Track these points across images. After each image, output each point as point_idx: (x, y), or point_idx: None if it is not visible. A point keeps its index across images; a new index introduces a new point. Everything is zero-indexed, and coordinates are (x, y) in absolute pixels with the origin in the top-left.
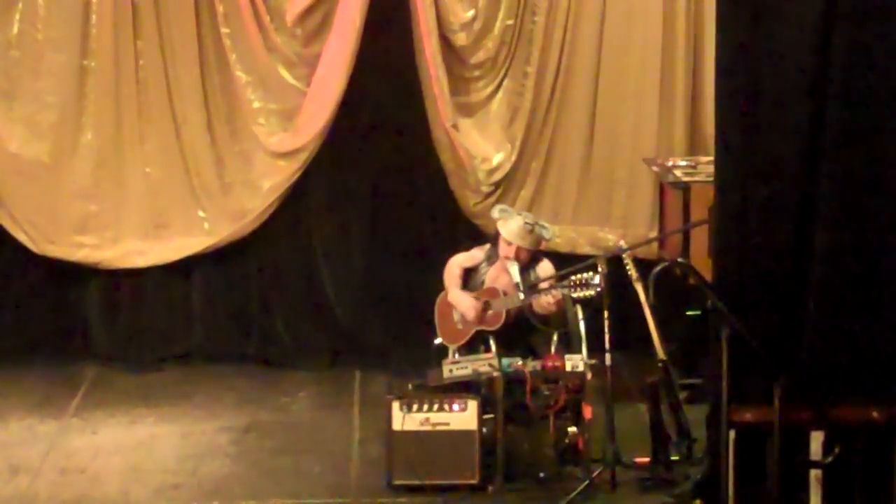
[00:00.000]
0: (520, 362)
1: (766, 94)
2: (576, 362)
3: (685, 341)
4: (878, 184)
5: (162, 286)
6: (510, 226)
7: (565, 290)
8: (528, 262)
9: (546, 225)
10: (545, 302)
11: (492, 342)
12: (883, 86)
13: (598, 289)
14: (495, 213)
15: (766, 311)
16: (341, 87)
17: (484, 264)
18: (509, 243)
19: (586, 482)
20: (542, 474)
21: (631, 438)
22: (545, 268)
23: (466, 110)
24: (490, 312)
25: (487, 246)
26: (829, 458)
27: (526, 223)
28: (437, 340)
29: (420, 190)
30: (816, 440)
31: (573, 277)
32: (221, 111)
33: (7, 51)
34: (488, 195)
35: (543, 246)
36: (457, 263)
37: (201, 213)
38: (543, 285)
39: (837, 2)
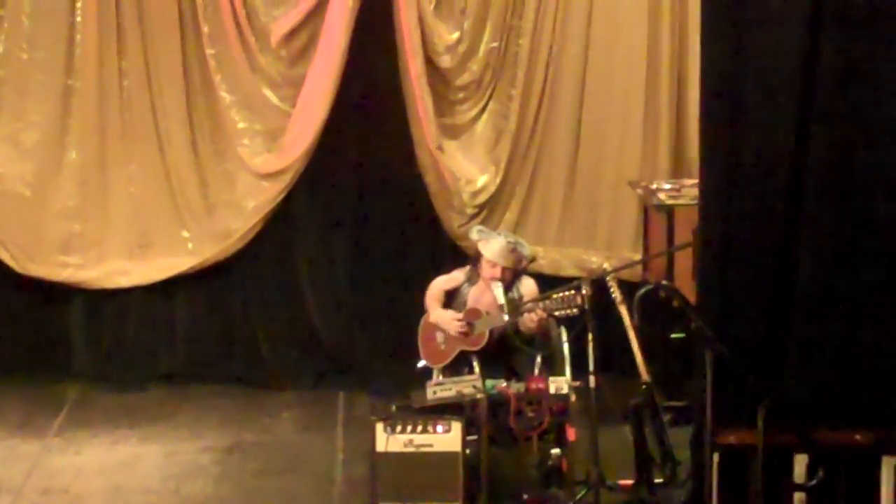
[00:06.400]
0: (504, 384)
1: (751, 116)
2: (559, 384)
3: (669, 364)
4: (862, 205)
5: (145, 306)
6: (493, 247)
7: (548, 304)
8: (511, 281)
9: (523, 242)
10: (529, 320)
11: (475, 364)
12: (868, 102)
13: (582, 307)
14: (474, 234)
15: (750, 333)
16: (326, 108)
17: (465, 285)
18: (494, 265)
19: None
20: (525, 496)
21: (615, 461)
22: (528, 285)
23: (451, 132)
24: (473, 333)
25: (467, 267)
26: (813, 482)
27: (509, 242)
28: (421, 363)
29: (404, 212)
30: (800, 463)
31: (556, 296)
32: (206, 131)
33: None
34: (473, 217)
35: (525, 265)
36: (437, 286)
37: (185, 234)
38: (528, 306)
39: (823, 17)
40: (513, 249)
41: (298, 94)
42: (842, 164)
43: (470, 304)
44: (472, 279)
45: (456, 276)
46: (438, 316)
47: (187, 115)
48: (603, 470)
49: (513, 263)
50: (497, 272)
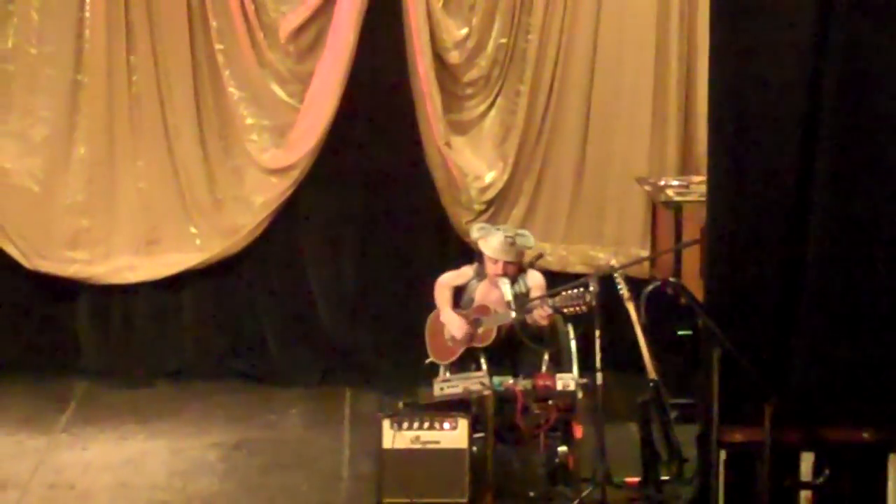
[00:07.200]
0: (511, 381)
1: (759, 115)
2: (567, 381)
3: (676, 361)
4: (870, 206)
5: (153, 302)
6: (491, 243)
7: (556, 301)
8: (516, 275)
9: (524, 233)
10: (537, 315)
11: (483, 360)
12: (875, 102)
13: (590, 304)
14: (474, 233)
15: (757, 331)
16: (334, 104)
17: (473, 281)
18: (495, 261)
19: (576, 502)
20: (532, 494)
21: (621, 458)
22: (534, 278)
23: (459, 128)
24: (481, 330)
25: (476, 264)
26: (820, 480)
27: (506, 237)
28: (428, 360)
29: (412, 207)
30: (807, 461)
31: (564, 293)
32: (214, 127)
33: (1, 65)
34: (480, 213)
35: (529, 256)
36: (446, 282)
37: (193, 229)
38: (535, 303)
39: (831, 18)
40: (512, 243)
41: (307, 89)
42: (849, 162)
43: (478, 300)
44: (480, 275)
45: (465, 272)
46: (448, 318)
47: (195, 111)
48: (609, 467)
49: (514, 257)
50: (499, 268)
